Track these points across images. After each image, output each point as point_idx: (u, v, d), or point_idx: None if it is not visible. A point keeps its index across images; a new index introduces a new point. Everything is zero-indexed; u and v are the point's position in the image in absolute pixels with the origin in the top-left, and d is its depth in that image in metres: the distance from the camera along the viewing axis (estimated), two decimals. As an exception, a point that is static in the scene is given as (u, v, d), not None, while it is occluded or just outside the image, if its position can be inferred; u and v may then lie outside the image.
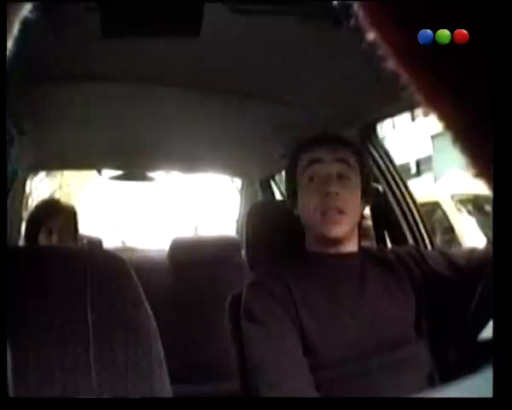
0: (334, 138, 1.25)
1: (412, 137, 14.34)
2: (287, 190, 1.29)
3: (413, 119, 14.94)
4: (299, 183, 1.21)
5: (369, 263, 1.22)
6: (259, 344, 1.10)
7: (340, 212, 1.14)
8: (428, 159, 14.93)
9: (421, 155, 14.94)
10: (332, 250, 1.20)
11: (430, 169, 14.35)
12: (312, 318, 1.11)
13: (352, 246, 1.22)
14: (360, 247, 1.26)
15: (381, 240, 1.79)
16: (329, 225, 1.15)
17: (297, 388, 1.04)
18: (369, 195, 1.26)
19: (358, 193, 1.20)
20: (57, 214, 1.87)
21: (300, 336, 1.10)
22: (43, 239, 1.84)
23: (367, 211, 1.78)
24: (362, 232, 1.32)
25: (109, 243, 4.54)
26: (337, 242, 1.18)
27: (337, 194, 1.14)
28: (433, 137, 14.40)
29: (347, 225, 1.16)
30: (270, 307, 1.12)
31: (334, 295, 1.15)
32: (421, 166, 15.13)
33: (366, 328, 1.12)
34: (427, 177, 13.09)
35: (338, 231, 1.15)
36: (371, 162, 1.74)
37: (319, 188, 1.16)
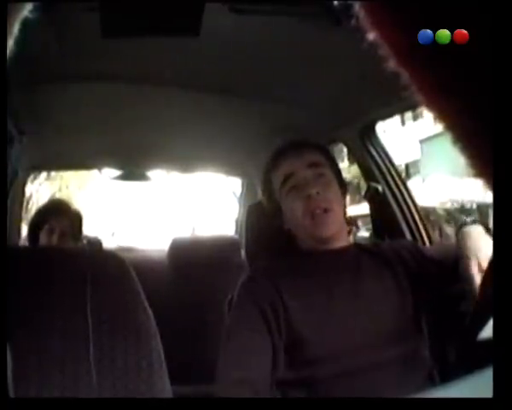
0: (298, 146, 1.27)
1: (402, 142, 14.40)
2: (270, 209, 1.29)
3: (403, 123, 15.05)
4: (280, 199, 1.24)
5: (363, 258, 1.23)
6: (222, 343, 1.11)
7: (326, 211, 1.17)
8: (417, 162, 15.08)
9: (410, 158, 15.06)
10: (325, 247, 1.21)
11: (419, 172, 14.48)
12: (306, 313, 1.11)
13: (343, 241, 1.24)
14: (350, 241, 1.28)
15: (380, 239, 1.79)
16: (320, 227, 1.17)
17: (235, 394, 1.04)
18: (344, 186, 1.28)
19: (337, 188, 1.23)
20: (61, 215, 1.87)
21: (288, 334, 1.11)
22: (43, 238, 1.83)
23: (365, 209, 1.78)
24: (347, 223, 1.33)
25: (109, 244, 4.54)
26: (330, 240, 1.20)
27: (318, 193, 1.17)
28: (421, 142, 14.52)
29: (336, 222, 1.19)
30: (245, 313, 1.13)
31: (329, 290, 1.15)
32: (410, 169, 15.24)
33: (362, 323, 1.12)
34: (415, 180, 13.19)
35: (329, 229, 1.18)
36: (371, 162, 1.75)
37: (300, 194, 1.19)
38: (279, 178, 1.23)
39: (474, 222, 1.15)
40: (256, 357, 1.08)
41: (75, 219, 1.91)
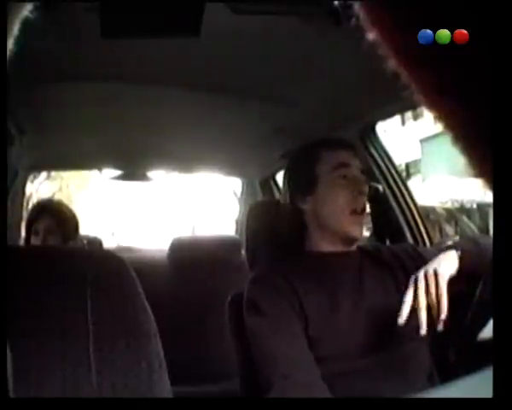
0: (351, 146, 1.30)
1: (402, 141, 14.41)
2: (298, 182, 1.26)
3: (403, 123, 15.07)
4: (322, 180, 1.22)
5: (366, 261, 1.23)
6: (268, 336, 1.10)
7: (364, 213, 1.21)
8: (417, 162, 15.10)
9: (411, 158, 15.07)
10: (336, 248, 1.22)
11: (419, 172, 14.51)
12: (315, 312, 1.12)
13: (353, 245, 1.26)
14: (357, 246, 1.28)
15: (380, 239, 1.79)
16: (356, 226, 1.20)
17: (308, 378, 1.05)
18: None
19: None
20: (43, 215, 1.86)
21: (305, 328, 1.11)
22: (32, 240, 1.85)
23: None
24: None
25: (109, 244, 4.54)
26: (354, 242, 1.23)
27: (365, 195, 1.21)
28: (421, 141, 14.53)
29: (364, 225, 1.23)
30: (275, 300, 1.13)
31: (335, 292, 1.15)
32: (411, 169, 15.26)
33: (364, 324, 1.13)
34: (415, 179, 13.21)
35: (361, 231, 1.21)
36: (371, 162, 1.75)
37: (351, 188, 1.19)
38: (333, 161, 1.22)
39: (452, 247, 1.14)
40: (295, 343, 1.09)
41: (60, 218, 1.88)
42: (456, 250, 1.12)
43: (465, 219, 8.70)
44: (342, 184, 1.20)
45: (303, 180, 1.25)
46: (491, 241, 1.12)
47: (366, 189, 1.20)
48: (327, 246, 1.23)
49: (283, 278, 1.15)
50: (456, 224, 8.32)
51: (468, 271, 1.09)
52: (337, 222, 1.20)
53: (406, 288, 1.20)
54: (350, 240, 1.22)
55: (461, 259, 1.10)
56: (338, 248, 1.22)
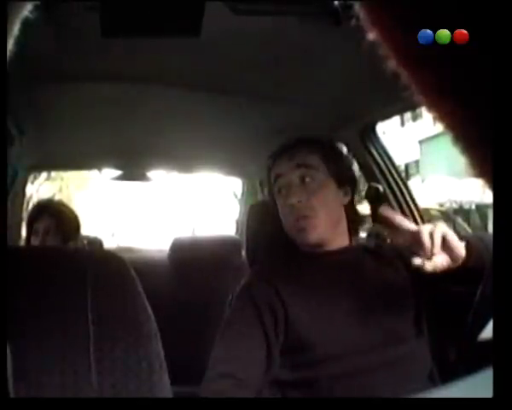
0: (291, 146, 1.26)
1: (401, 142, 14.43)
2: (272, 207, 1.31)
3: (402, 124, 15.12)
4: (275, 197, 1.26)
5: (366, 258, 1.23)
6: (215, 344, 1.12)
7: (307, 218, 1.17)
8: (416, 163, 15.14)
9: (410, 159, 15.10)
10: (321, 250, 1.21)
11: (418, 173, 14.55)
12: (307, 315, 1.11)
13: (340, 241, 1.23)
14: (351, 240, 1.27)
15: (380, 240, 1.79)
16: (302, 233, 1.18)
17: (221, 390, 1.04)
18: (348, 183, 1.26)
19: (329, 190, 1.21)
20: (42, 216, 1.87)
21: (291, 333, 1.10)
22: (32, 240, 1.85)
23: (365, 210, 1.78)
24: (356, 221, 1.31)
25: (109, 244, 4.54)
26: (317, 245, 1.20)
27: (299, 202, 1.17)
28: (420, 142, 14.56)
29: (321, 227, 1.18)
30: (242, 313, 1.13)
31: (328, 292, 1.15)
32: (410, 170, 15.30)
33: (363, 323, 1.12)
34: (415, 180, 13.24)
35: (312, 236, 1.18)
36: (371, 162, 1.75)
37: (285, 200, 1.21)
38: (272, 177, 1.25)
39: (462, 237, 1.12)
40: (245, 354, 1.08)
41: (60, 218, 1.89)
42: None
43: (460, 221, 8.68)
44: (280, 198, 1.23)
45: (270, 200, 1.31)
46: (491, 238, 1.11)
47: (294, 198, 1.17)
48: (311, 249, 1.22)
49: (269, 284, 1.14)
50: (454, 226, 8.31)
51: (470, 265, 1.07)
52: (290, 234, 1.22)
53: (407, 285, 1.20)
54: (308, 246, 1.20)
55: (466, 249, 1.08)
56: (318, 250, 1.21)
